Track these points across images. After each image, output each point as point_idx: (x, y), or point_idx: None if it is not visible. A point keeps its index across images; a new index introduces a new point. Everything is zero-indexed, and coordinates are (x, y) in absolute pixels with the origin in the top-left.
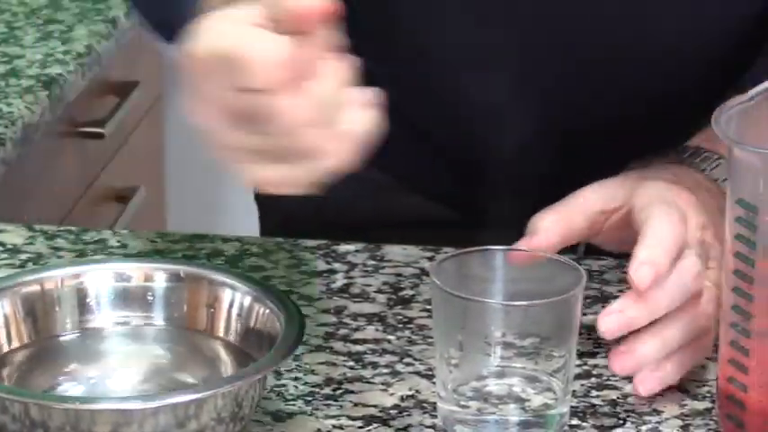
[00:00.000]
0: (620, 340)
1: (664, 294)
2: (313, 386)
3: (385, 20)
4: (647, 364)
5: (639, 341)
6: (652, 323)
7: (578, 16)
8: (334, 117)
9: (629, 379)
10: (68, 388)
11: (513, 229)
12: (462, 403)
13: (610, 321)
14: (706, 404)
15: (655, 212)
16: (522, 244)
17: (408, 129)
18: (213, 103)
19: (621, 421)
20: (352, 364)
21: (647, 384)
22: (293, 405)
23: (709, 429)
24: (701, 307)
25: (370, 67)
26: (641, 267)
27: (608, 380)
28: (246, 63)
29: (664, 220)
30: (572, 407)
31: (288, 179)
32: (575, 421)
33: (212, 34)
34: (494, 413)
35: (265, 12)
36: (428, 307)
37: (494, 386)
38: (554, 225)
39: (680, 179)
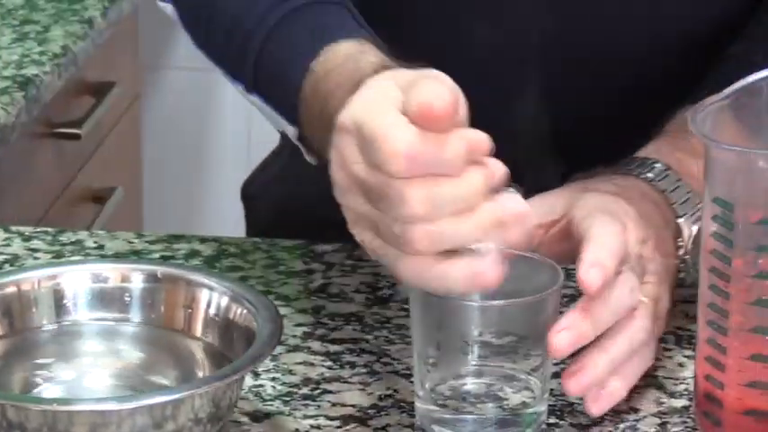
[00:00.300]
0: (566, 360)
1: (606, 308)
2: (291, 386)
3: (382, 18)
4: (597, 381)
5: (589, 358)
6: (596, 340)
7: (576, 16)
8: (454, 222)
9: None
10: (45, 389)
11: None
12: (440, 402)
13: (562, 338)
14: (683, 402)
15: (597, 221)
16: None
17: None
18: (349, 168)
19: (599, 419)
20: (330, 363)
21: (600, 403)
22: (271, 405)
23: (687, 427)
24: (637, 321)
25: None
26: (591, 270)
27: None
28: (380, 146)
29: (607, 228)
30: (550, 405)
31: (385, 255)
32: (552, 419)
33: (363, 105)
34: (472, 412)
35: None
36: (406, 306)
37: (471, 385)
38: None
39: (623, 190)
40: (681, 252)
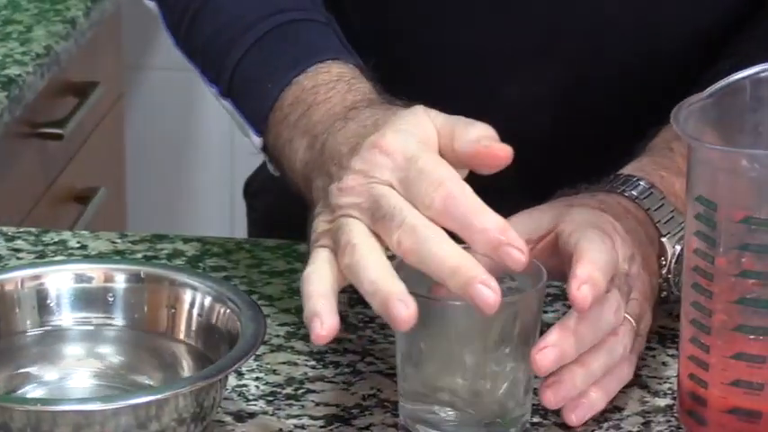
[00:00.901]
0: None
1: (591, 328)
2: (274, 386)
3: (376, 20)
4: (574, 394)
5: (567, 371)
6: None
7: (575, 19)
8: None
9: None
10: (29, 390)
11: None
12: (424, 402)
13: (546, 355)
14: (667, 401)
15: (586, 236)
16: None
17: None
18: (370, 182)
19: None
20: (313, 363)
21: (578, 412)
22: (255, 405)
23: (671, 426)
24: (619, 338)
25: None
26: (582, 287)
27: None
28: (428, 181)
29: (596, 244)
30: (533, 404)
31: (313, 277)
32: (536, 419)
33: (417, 139)
34: (455, 411)
35: (441, 130)
36: None
37: (455, 384)
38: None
39: (607, 206)
40: (663, 271)
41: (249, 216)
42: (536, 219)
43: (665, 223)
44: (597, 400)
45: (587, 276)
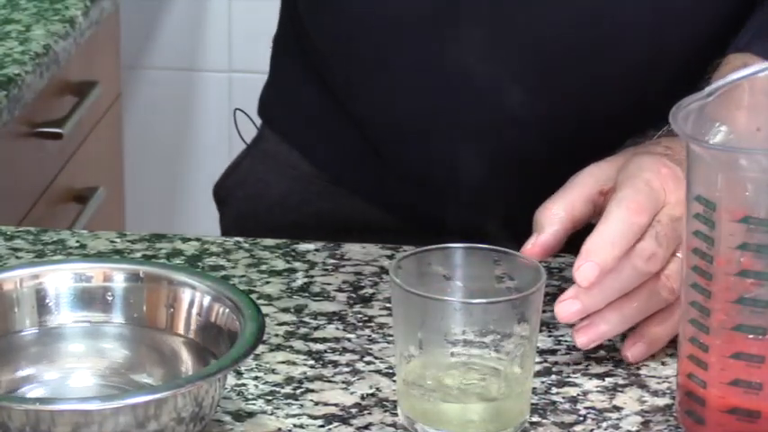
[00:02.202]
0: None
1: (615, 280)
2: (273, 385)
3: (346, 31)
4: (606, 335)
5: (599, 315)
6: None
7: (575, 25)
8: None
9: (590, 376)
10: (28, 389)
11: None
12: (423, 401)
13: (565, 307)
14: (666, 400)
15: (614, 200)
16: (531, 243)
17: (373, 146)
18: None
19: (581, 418)
20: (312, 362)
21: (636, 348)
22: (254, 404)
23: (669, 426)
24: (661, 281)
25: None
26: (585, 265)
27: (568, 377)
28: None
29: (621, 208)
30: (532, 404)
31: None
32: (535, 418)
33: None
34: (454, 410)
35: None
36: (388, 305)
37: (454, 384)
38: (559, 216)
39: (673, 151)
40: None
41: (221, 222)
42: (605, 170)
43: None
44: (659, 334)
45: (591, 252)
